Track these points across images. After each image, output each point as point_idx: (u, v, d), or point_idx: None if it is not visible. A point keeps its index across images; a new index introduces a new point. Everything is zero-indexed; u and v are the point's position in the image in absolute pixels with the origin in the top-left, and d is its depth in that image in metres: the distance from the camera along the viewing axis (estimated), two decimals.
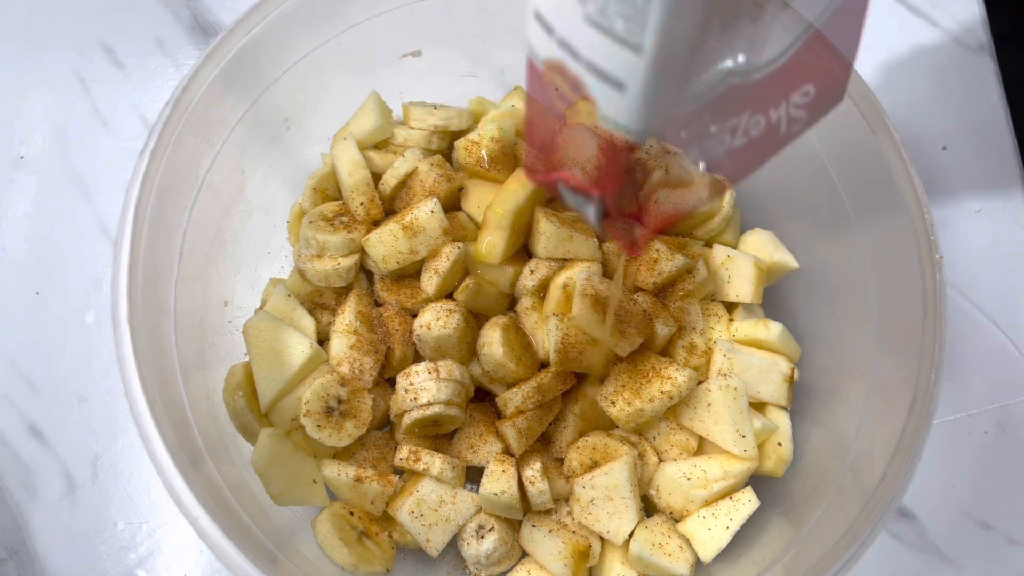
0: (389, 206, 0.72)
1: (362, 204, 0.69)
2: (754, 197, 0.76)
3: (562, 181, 0.42)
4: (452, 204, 0.72)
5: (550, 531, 0.64)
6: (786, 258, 0.71)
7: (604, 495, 0.63)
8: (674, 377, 0.63)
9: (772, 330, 0.68)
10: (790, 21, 0.38)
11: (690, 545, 0.64)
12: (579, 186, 0.41)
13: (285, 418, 0.64)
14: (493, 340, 0.65)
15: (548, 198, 0.72)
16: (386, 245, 0.66)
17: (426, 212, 0.66)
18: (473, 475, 0.66)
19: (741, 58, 0.38)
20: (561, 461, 0.67)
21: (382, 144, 0.75)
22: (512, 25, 0.73)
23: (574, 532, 0.65)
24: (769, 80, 0.39)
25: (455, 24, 0.73)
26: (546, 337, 0.65)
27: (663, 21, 0.32)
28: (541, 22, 0.36)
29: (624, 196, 0.41)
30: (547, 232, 0.66)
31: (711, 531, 0.63)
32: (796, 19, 0.38)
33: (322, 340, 0.69)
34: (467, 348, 0.68)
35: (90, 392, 0.77)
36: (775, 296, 0.75)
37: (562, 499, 0.67)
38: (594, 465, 0.65)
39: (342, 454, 0.66)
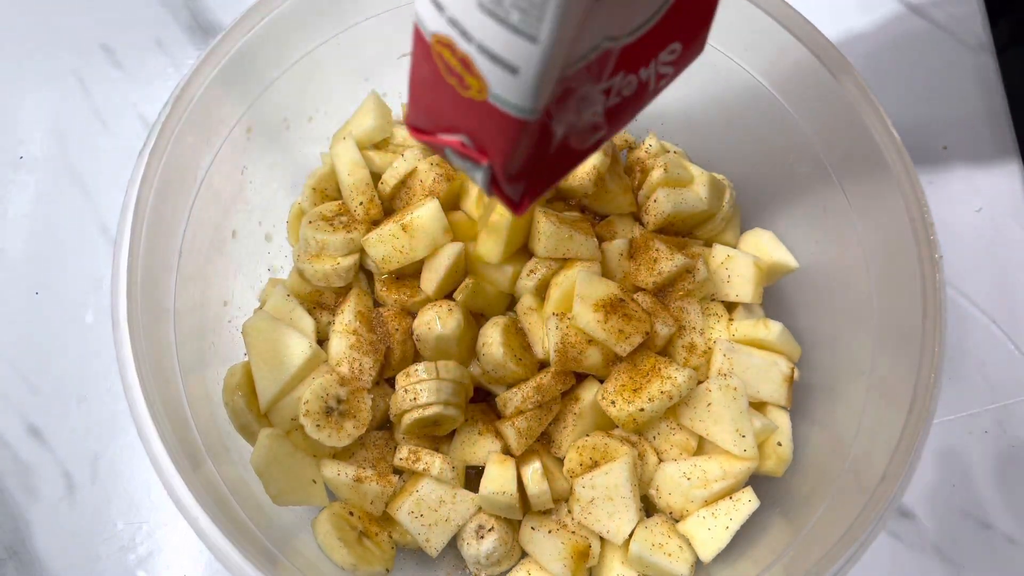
0: (389, 206, 0.72)
1: (361, 204, 0.69)
2: (754, 197, 0.76)
3: (449, 148, 0.41)
4: (452, 204, 0.72)
5: (550, 531, 0.64)
6: (786, 258, 0.71)
7: (604, 495, 0.63)
8: (674, 377, 0.63)
9: (772, 330, 0.68)
10: None
11: (690, 545, 0.64)
12: (467, 154, 0.40)
13: (285, 418, 0.64)
14: (493, 340, 0.65)
15: (549, 197, 0.72)
16: (386, 245, 0.66)
17: (426, 212, 0.66)
18: (473, 475, 0.66)
19: (616, 23, 0.38)
20: (561, 461, 0.67)
21: (382, 144, 0.75)
22: None
23: (574, 532, 0.65)
24: (639, 41, 0.40)
25: None
26: (546, 337, 0.65)
27: (561, 14, 0.32)
28: None
29: (515, 163, 0.40)
30: (547, 232, 0.66)
31: (711, 531, 0.63)
32: None
33: (321, 340, 0.69)
34: (467, 348, 0.68)
35: (89, 392, 0.77)
36: (775, 296, 0.75)
37: (562, 499, 0.67)
38: (594, 465, 0.65)
39: (342, 454, 0.66)
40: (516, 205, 0.43)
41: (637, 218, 0.73)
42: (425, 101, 0.41)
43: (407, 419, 0.63)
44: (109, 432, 0.76)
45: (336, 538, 0.62)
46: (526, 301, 0.68)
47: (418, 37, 0.37)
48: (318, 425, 0.62)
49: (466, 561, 0.66)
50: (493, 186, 0.41)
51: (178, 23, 0.90)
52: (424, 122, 0.42)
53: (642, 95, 0.44)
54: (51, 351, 0.79)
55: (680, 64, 0.45)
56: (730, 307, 0.72)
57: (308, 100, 0.73)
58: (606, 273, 0.68)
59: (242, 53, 0.62)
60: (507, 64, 0.34)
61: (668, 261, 0.68)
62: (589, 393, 0.67)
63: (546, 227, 0.66)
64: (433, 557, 0.65)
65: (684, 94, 0.75)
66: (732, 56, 0.68)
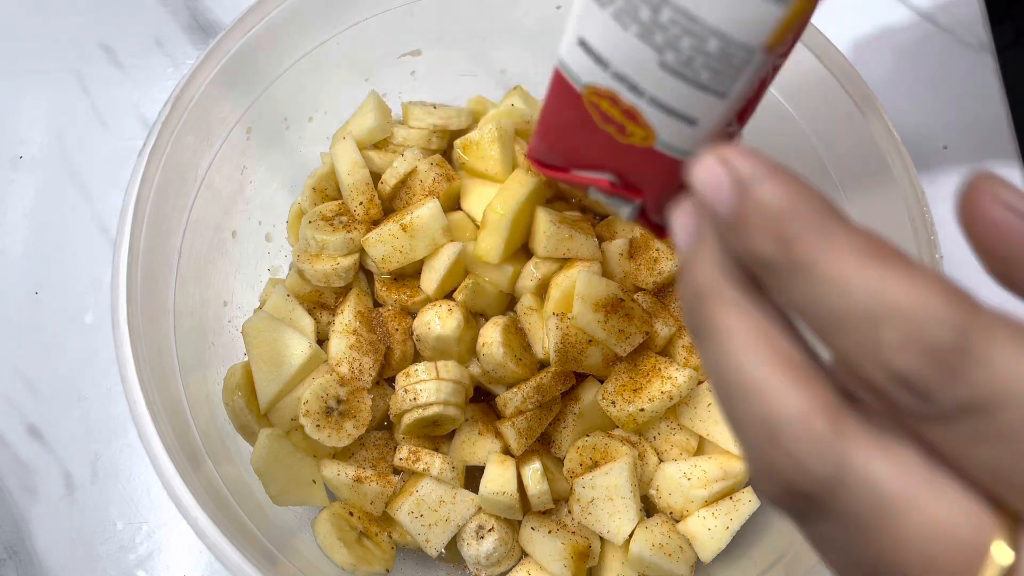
0: (388, 205, 0.72)
1: (361, 204, 0.69)
2: None
3: (594, 187, 0.38)
4: (452, 204, 0.72)
5: (550, 531, 0.64)
6: None
7: (604, 495, 0.63)
8: (674, 377, 0.63)
9: None
10: None
11: (690, 545, 0.64)
12: (616, 192, 0.38)
13: (284, 418, 0.64)
14: (493, 340, 0.65)
15: (549, 197, 0.72)
16: (386, 245, 0.66)
17: (426, 212, 0.66)
18: (473, 475, 0.66)
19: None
20: (561, 461, 0.67)
21: (381, 144, 0.75)
22: (512, 25, 0.73)
23: (574, 532, 0.65)
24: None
25: (455, 23, 0.73)
26: (546, 337, 0.65)
27: (757, 71, 0.29)
28: (588, 51, 0.31)
29: (670, 195, 0.37)
30: (547, 231, 0.66)
31: (711, 531, 0.63)
32: None
33: (321, 340, 0.69)
34: (467, 348, 0.68)
35: (89, 392, 0.77)
36: None
37: (562, 499, 0.66)
38: (594, 465, 0.64)
39: (341, 454, 0.66)
40: (662, 230, 0.41)
41: None
42: (564, 144, 0.38)
43: (407, 419, 0.63)
44: (109, 432, 0.76)
45: (336, 538, 0.62)
46: (526, 301, 0.68)
47: (562, 85, 0.34)
48: (318, 425, 0.62)
49: (466, 561, 0.66)
50: (640, 217, 0.39)
51: (178, 22, 0.90)
52: (555, 159, 0.39)
53: (763, 87, 0.42)
54: (51, 351, 0.79)
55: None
56: None
57: (308, 100, 0.73)
58: (606, 273, 0.68)
59: (242, 53, 0.62)
60: (684, 116, 0.31)
61: (668, 261, 0.68)
62: (589, 393, 0.67)
63: (546, 227, 0.66)
64: (433, 557, 0.65)
65: None
66: None
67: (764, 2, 0.25)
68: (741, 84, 0.30)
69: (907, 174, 0.59)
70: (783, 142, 0.69)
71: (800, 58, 0.63)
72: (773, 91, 0.67)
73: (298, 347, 0.64)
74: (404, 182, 0.71)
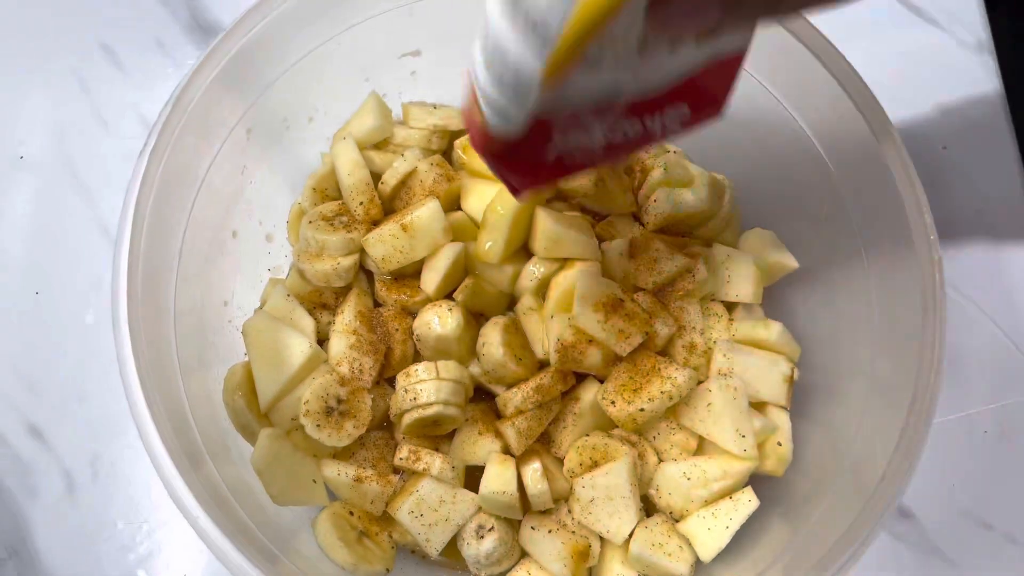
0: (389, 206, 0.72)
1: (361, 204, 0.69)
2: (754, 197, 0.76)
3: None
4: (452, 204, 0.72)
5: (549, 531, 0.64)
6: (786, 258, 0.71)
7: (604, 495, 0.63)
8: (674, 377, 0.63)
9: (772, 330, 0.68)
10: (677, 62, 0.45)
11: (690, 545, 0.64)
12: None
13: (285, 418, 0.64)
14: (493, 340, 0.65)
15: (549, 197, 0.72)
16: (386, 245, 0.66)
17: (426, 212, 0.66)
18: (473, 475, 0.66)
19: (627, 87, 0.44)
20: (561, 461, 0.67)
21: (382, 144, 0.75)
22: None
23: (574, 532, 0.65)
24: (648, 100, 0.47)
25: (454, 23, 0.73)
26: (546, 337, 0.65)
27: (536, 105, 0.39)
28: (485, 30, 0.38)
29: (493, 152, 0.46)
30: (547, 231, 0.66)
31: (711, 531, 0.63)
32: (683, 61, 0.45)
33: (322, 340, 0.69)
34: (467, 348, 0.68)
35: (90, 392, 0.77)
36: (775, 296, 0.75)
37: (562, 499, 0.66)
38: (594, 465, 0.65)
39: (342, 454, 0.66)
40: (515, 190, 0.49)
41: (637, 218, 0.73)
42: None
43: (407, 419, 0.63)
44: (109, 432, 0.76)
45: (336, 538, 0.62)
46: (526, 301, 0.68)
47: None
48: (318, 425, 0.62)
49: (466, 561, 0.66)
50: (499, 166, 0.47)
51: (178, 23, 0.90)
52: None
53: (647, 137, 0.49)
54: (52, 351, 0.79)
55: (689, 125, 0.49)
56: (730, 307, 0.72)
57: (308, 100, 0.73)
58: (606, 273, 0.68)
59: (242, 53, 0.62)
60: (500, 114, 0.41)
61: (668, 261, 0.68)
62: (589, 393, 0.67)
63: (546, 226, 0.66)
64: (433, 557, 0.65)
65: None
66: None
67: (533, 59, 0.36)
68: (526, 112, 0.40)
69: (907, 175, 0.59)
70: (783, 144, 0.69)
71: (801, 61, 0.63)
72: (774, 93, 0.67)
73: (298, 347, 0.64)
74: (404, 182, 0.71)
